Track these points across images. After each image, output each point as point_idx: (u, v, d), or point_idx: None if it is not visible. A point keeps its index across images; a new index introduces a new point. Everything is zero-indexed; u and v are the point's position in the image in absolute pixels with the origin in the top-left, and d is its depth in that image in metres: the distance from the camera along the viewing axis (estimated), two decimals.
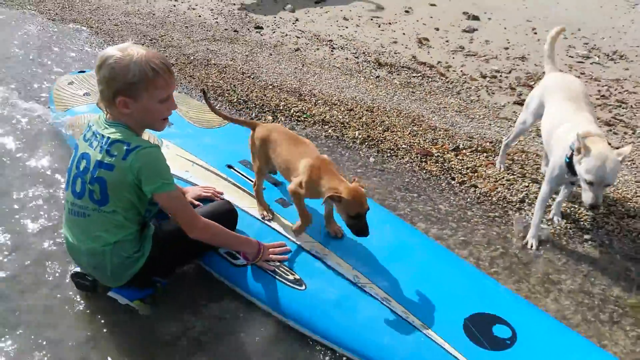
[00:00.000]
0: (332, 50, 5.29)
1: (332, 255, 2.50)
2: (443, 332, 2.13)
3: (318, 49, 5.32)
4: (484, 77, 4.87)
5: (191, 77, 4.56)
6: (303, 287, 2.36)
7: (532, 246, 2.88)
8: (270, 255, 2.46)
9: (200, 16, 6.07)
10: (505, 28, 5.98)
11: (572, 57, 5.38)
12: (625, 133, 4.14)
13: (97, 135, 2.15)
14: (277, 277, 2.42)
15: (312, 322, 2.28)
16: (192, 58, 4.94)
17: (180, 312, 2.38)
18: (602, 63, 5.26)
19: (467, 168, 3.51)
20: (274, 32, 5.70)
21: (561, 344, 2.13)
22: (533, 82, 4.81)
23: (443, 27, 5.88)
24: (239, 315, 2.38)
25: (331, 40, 5.50)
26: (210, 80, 4.50)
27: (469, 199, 3.24)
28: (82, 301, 2.38)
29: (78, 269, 2.38)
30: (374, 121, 4.01)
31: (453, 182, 3.38)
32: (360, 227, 2.31)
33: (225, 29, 5.70)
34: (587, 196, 2.53)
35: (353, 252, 2.52)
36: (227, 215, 2.49)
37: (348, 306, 2.28)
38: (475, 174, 3.46)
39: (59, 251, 2.59)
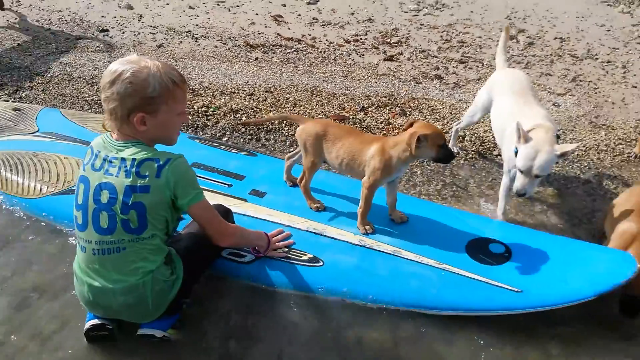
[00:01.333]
0: (196, 41, 5.16)
1: (329, 228, 2.65)
2: (455, 263, 2.44)
3: (181, 41, 5.14)
4: (348, 42, 5.28)
5: (62, 96, 4.10)
6: (321, 263, 2.48)
7: None
8: (277, 244, 2.52)
9: (27, 29, 5.33)
10: None
11: (406, 12, 6.09)
12: (476, 66, 4.94)
13: (114, 161, 1.97)
14: (292, 262, 2.49)
15: (344, 289, 2.41)
16: (49, 75, 4.40)
17: (213, 327, 2.32)
18: (432, 13, 6.07)
19: (382, 122, 3.89)
20: (124, 32, 5.31)
21: (545, 245, 2.54)
22: (389, 39, 5.37)
23: (289, 3, 6.12)
24: (267, 307, 2.40)
25: (190, 31, 5.35)
26: (88, 95, 4.10)
27: None
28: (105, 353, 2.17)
29: (95, 321, 2.15)
30: (279, 100, 4.13)
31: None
32: (449, 152, 2.46)
33: (67, 38, 5.13)
34: (517, 183, 2.57)
35: (345, 220, 2.70)
36: (229, 215, 2.46)
37: (367, 267, 2.46)
38: (390, 126, 3.86)
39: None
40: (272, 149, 3.62)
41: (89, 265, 2.06)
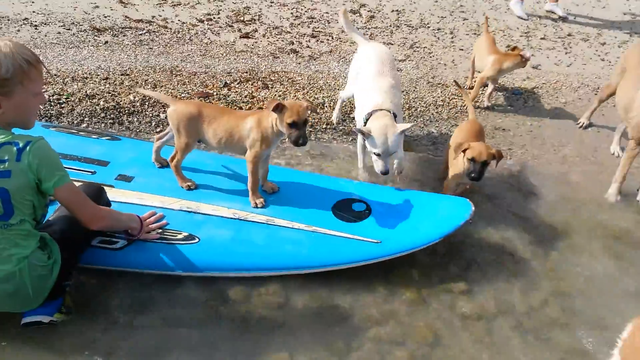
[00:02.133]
0: (36, 28, 4.78)
1: (203, 205, 2.73)
2: (323, 224, 2.68)
3: (19, 30, 4.71)
4: (202, 21, 5.28)
5: None
6: (197, 240, 2.54)
7: None
8: (150, 226, 2.53)
9: None
10: None
11: None
12: (327, 39, 5.27)
13: None
14: (168, 242, 2.51)
15: (221, 264, 2.51)
16: None
17: (97, 312, 2.33)
18: None
19: (246, 96, 4.03)
20: None
21: (398, 199, 2.89)
22: (242, 17, 5.48)
23: None
24: (149, 289, 2.44)
25: (27, 19, 4.92)
26: None
27: None
28: None
29: None
30: (137, 82, 4.05)
31: (243, 110, 3.87)
32: (297, 135, 2.51)
33: None
34: (377, 165, 2.88)
35: (218, 196, 2.80)
36: (102, 193, 2.43)
37: (243, 238, 2.59)
38: (255, 99, 4.01)
39: None
40: (137, 131, 3.58)
41: None
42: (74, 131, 3.31)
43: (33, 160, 1.94)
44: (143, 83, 4.04)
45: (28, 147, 1.94)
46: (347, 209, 2.80)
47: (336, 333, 2.31)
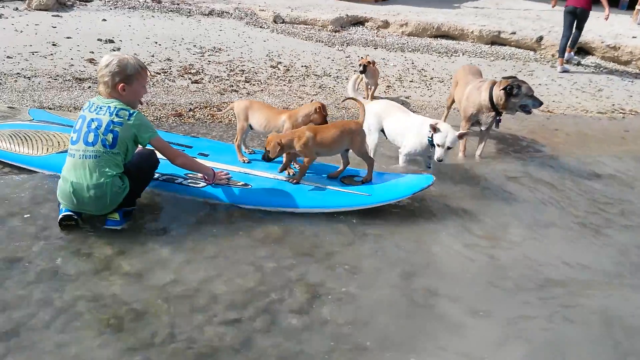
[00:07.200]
0: (30, 79, 6.02)
1: (253, 171, 4.22)
2: (334, 185, 4.12)
3: (16, 80, 5.95)
4: (158, 74, 6.83)
5: None
6: (250, 186, 4.02)
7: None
8: (221, 175, 3.97)
9: None
10: (138, 44, 7.97)
11: (194, 54, 7.91)
12: (258, 83, 7.01)
13: (103, 107, 3.31)
14: (232, 186, 3.98)
15: (265, 201, 3.91)
16: None
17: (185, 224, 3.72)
18: (213, 54, 8.03)
19: (207, 116, 5.58)
20: None
21: (383, 176, 4.31)
22: (190, 71, 7.10)
23: (96, 50, 7.33)
24: (219, 213, 3.79)
25: (19, 73, 6.16)
26: None
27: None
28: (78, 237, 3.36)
29: (66, 212, 3.35)
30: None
31: (213, 123, 5.44)
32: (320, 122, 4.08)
33: None
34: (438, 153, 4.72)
35: (264, 167, 4.24)
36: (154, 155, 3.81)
37: (279, 188, 4.02)
38: (214, 116, 5.57)
39: None
40: None
41: (74, 167, 3.28)
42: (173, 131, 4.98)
43: (136, 121, 3.33)
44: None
45: (134, 114, 3.35)
46: (351, 179, 4.23)
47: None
